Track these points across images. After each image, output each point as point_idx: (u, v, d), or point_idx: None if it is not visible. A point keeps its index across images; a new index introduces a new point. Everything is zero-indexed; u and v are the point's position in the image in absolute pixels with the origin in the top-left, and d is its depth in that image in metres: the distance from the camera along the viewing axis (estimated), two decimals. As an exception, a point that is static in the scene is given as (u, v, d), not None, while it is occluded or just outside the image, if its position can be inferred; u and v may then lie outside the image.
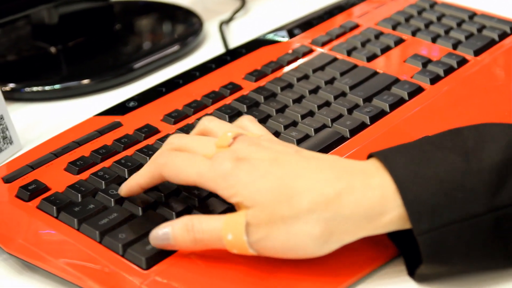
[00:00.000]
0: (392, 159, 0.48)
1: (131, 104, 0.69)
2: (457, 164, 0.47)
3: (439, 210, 0.46)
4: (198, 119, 0.65)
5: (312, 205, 0.47)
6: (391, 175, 0.47)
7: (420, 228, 0.46)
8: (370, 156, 0.51)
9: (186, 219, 0.50)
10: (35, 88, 0.77)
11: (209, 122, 0.54)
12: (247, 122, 0.55)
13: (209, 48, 0.86)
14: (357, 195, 0.47)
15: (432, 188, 0.47)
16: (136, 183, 0.54)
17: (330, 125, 0.64)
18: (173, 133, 0.63)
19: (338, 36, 0.79)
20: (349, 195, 0.47)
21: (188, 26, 0.89)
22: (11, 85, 0.77)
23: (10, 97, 0.76)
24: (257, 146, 0.50)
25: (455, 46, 0.76)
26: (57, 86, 0.77)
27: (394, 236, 0.51)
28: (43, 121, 0.74)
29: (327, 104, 0.67)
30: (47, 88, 0.77)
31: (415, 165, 0.48)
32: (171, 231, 0.50)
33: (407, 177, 0.47)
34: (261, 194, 0.48)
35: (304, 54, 0.76)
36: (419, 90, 0.68)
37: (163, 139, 0.62)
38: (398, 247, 0.52)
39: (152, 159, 0.53)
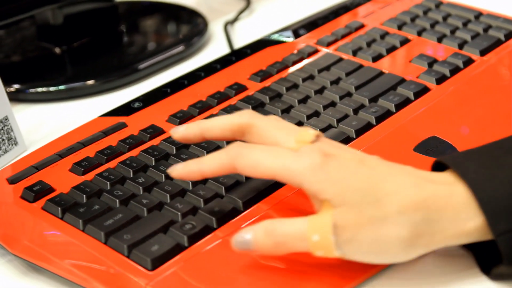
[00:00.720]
0: (464, 166, 0.49)
1: (136, 104, 0.69)
2: None
3: None
4: (204, 119, 0.65)
5: (401, 208, 0.47)
6: (466, 182, 0.48)
7: (498, 229, 0.47)
8: (436, 162, 0.51)
9: (267, 223, 0.49)
10: (39, 89, 0.77)
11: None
12: None
13: (214, 48, 0.86)
14: (442, 201, 0.48)
15: (507, 190, 0.47)
16: (199, 170, 0.52)
17: (336, 126, 0.64)
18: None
19: (343, 36, 0.79)
20: (435, 201, 0.48)
21: (193, 26, 0.89)
22: (16, 86, 0.77)
23: (15, 98, 0.76)
24: (340, 147, 0.51)
25: (461, 46, 0.75)
26: (61, 87, 0.77)
27: None
28: (48, 122, 0.74)
29: (333, 104, 0.67)
30: (51, 89, 0.77)
31: (486, 169, 0.48)
32: (252, 237, 0.49)
33: (480, 181, 0.48)
34: (350, 193, 0.47)
35: (309, 54, 0.76)
36: (425, 90, 0.68)
37: (168, 140, 0.62)
38: (468, 247, 0.52)
39: (224, 149, 0.51)
